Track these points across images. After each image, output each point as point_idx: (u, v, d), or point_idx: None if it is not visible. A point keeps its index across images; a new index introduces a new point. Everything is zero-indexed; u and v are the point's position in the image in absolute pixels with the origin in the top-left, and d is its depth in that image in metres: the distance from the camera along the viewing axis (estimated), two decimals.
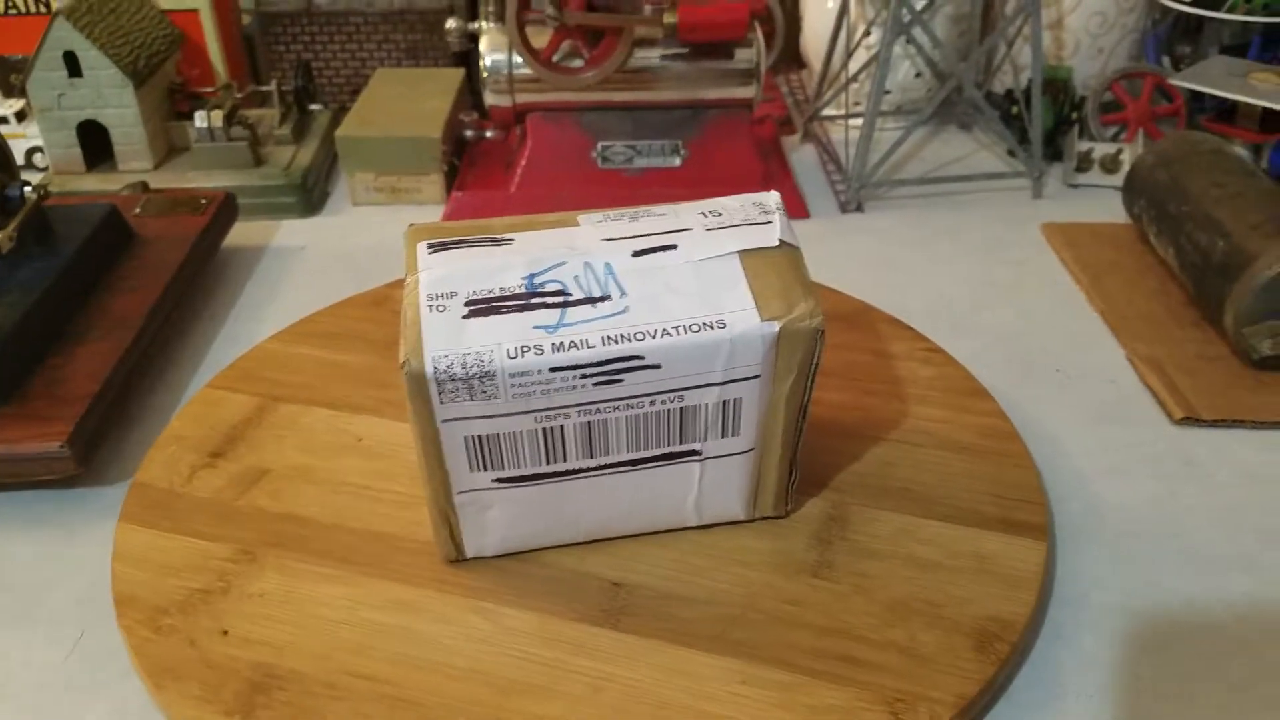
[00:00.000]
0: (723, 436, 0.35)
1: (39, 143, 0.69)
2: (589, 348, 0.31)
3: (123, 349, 0.46)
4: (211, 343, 0.55)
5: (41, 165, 0.71)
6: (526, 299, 0.32)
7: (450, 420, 0.33)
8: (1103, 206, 0.69)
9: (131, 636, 0.35)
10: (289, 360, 0.49)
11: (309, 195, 0.69)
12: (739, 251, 0.33)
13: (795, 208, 0.69)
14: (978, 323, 0.56)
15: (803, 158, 0.77)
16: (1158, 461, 0.46)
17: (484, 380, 0.32)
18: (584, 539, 0.38)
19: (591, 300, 0.32)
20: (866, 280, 0.60)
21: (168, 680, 0.33)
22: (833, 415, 0.45)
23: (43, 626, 0.38)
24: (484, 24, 0.67)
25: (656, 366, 0.32)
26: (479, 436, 0.33)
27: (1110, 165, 0.72)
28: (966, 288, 0.60)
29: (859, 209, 0.69)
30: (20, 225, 0.48)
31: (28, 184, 0.49)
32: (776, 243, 0.34)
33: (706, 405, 0.34)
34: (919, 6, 0.68)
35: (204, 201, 0.60)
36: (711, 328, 0.32)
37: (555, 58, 0.65)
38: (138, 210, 0.59)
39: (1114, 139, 0.74)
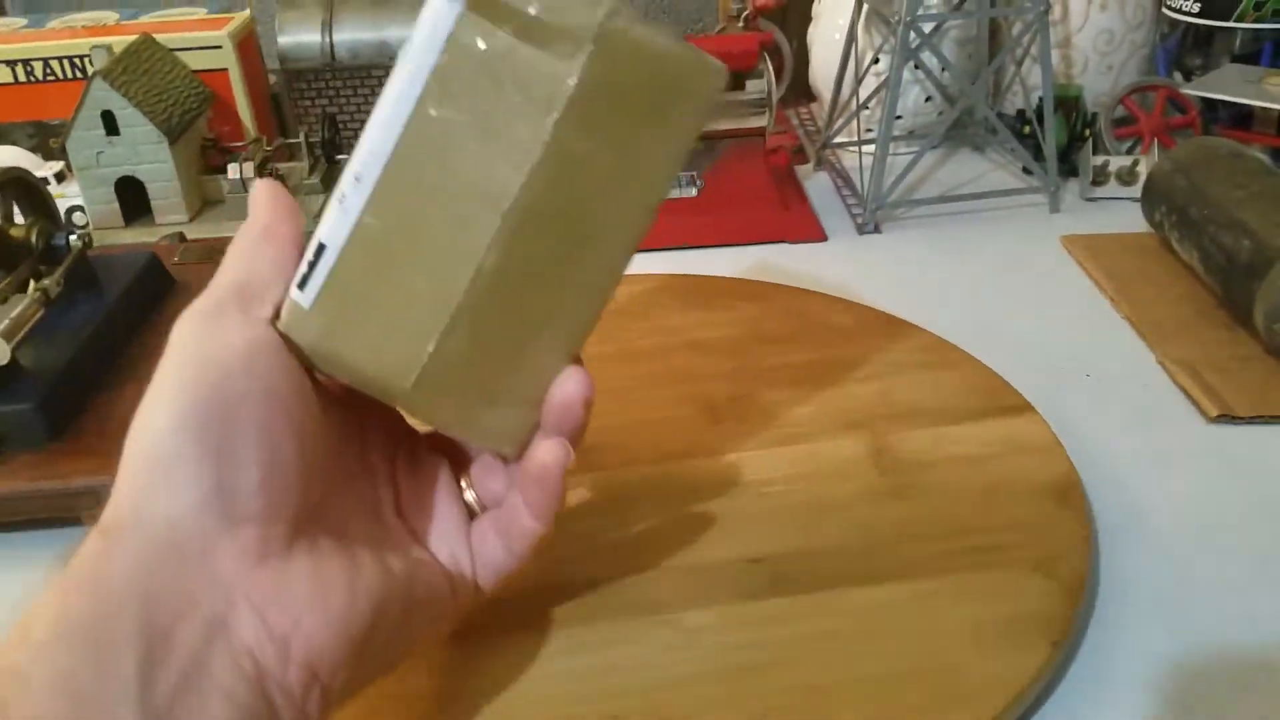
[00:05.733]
0: None
1: (79, 201, 0.72)
2: None
3: None
4: None
5: (81, 224, 0.73)
6: None
7: None
8: (1122, 218, 0.69)
9: None
10: None
11: None
12: None
13: (813, 231, 0.69)
14: (1003, 332, 0.57)
15: (817, 185, 0.78)
16: (1195, 458, 0.46)
17: None
18: None
19: None
20: (888, 297, 0.60)
21: None
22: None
23: None
24: None
25: None
26: None
27: (1127, 177, 0.72)
28: (990, 299, 0.60)
29: (876, 230, 0.70)
30: (66, 272, 0.49)
31: (72, 233, 0.51)
32: None
33: None
34: (926, 30, 0.70)
35: None
36: None
37: None
38: (176, 259, 0.61)
39: (1129, 152, 0.75)
